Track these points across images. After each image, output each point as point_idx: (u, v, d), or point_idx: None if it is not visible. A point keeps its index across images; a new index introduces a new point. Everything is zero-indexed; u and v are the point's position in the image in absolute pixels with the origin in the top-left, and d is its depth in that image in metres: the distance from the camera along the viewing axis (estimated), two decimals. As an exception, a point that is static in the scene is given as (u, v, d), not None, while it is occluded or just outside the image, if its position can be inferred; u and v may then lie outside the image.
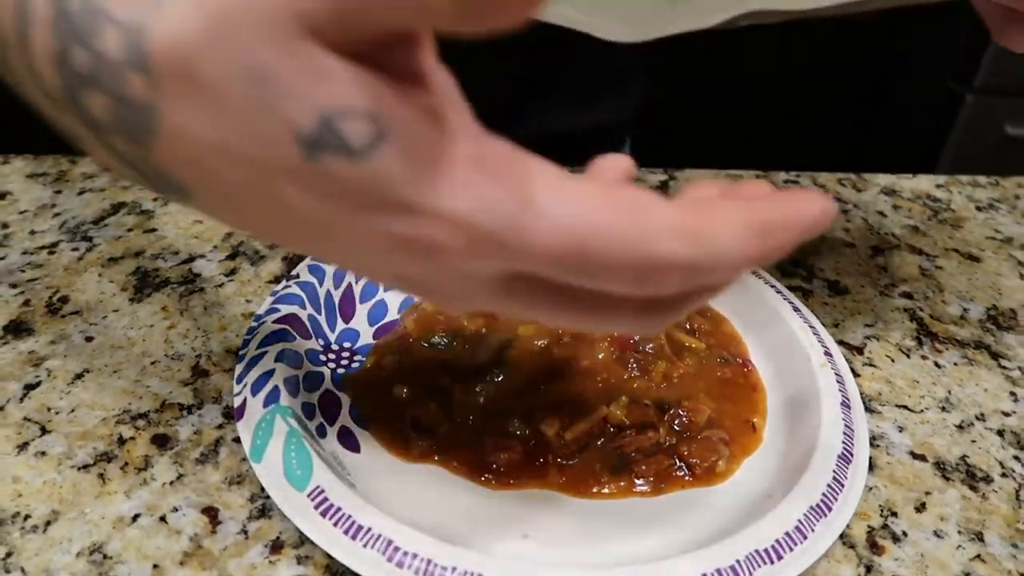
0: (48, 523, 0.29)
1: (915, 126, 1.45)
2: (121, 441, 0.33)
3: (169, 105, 0.15)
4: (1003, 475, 0.34)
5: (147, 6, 0.15)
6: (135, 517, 0.30)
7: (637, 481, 0.33)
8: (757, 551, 0.27)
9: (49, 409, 0.34)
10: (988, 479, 0.34)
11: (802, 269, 0.47)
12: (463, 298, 0.19)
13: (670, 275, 0.17)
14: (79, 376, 0.36)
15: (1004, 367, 0.40)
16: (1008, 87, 1.28)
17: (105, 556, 0.28)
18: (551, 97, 0.60)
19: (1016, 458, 0.35)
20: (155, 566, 0.28)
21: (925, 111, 1.42)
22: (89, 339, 0.38)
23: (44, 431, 0.33)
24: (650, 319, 0.20)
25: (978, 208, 0.55)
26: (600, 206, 0.16)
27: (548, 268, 0.17)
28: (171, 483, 0.31)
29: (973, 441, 0.36)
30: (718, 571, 0.27)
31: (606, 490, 0.32)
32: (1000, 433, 0.36)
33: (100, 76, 0.15)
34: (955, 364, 0.40)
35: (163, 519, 0.30)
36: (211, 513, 0.30)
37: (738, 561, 0.27)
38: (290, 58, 0.14)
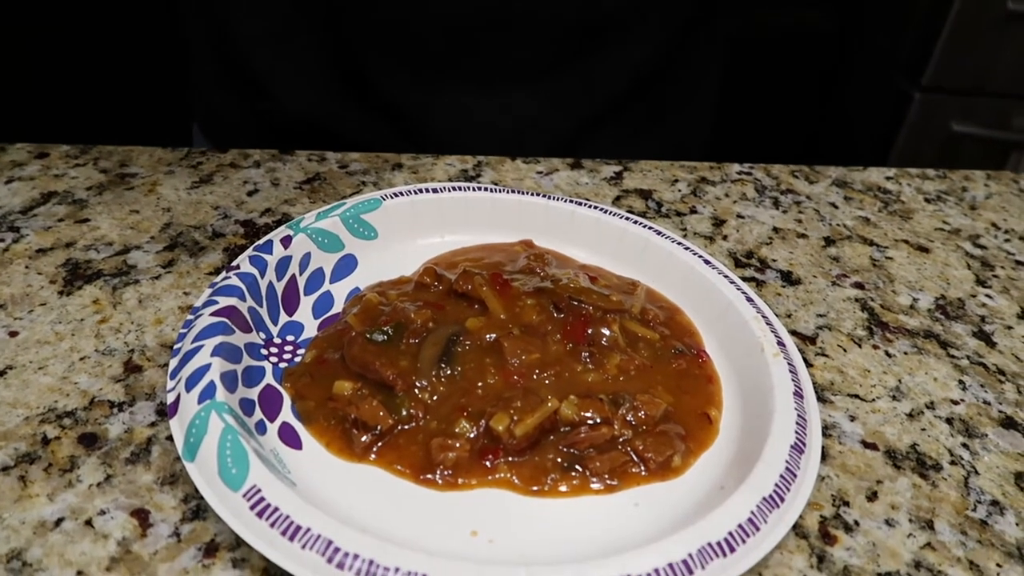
0: (-38, 530, 0.27)
1: (865, 123, 1.48)
2: (45, 441, 0.31)
3: None
4: (952, 463, 0.34)
5: None
6: (58, 521, 0.28)
7: (591, 479, 0.32)
8: (710, 544, 0.27)
9: (-33, 409, 0.32)
10: (938, 467, 0.34)
11: (755, 260, 0.46)
12: None
13: None
14: (1, 373, 0.34)
15: (952, 356, 0.41)
16: (955, 86, 1.31)
17: (24, 563, 0.26)
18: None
19: (964, 446, 0.35)
20: (79, 573, 0.26)
21: (875, 109, 1.45)
22: (13, 334, 0.36)
23: (-39, 432, 0.31)
24: None
25: (927, 200, 0.55)
26: None
27: None
28: (98, 485, 0.29)
29: (923, 429, 0.36)
30: (670, 566, 0.26)
31: (561, 488, 0.31)
32: (949, 421, 0.36)
33: None
34: (905, 353, 0.40)
35: (89, 523, 0.28)
36: (141, 515, 0.28)
37: (690, 555, 0.26)
38: None
